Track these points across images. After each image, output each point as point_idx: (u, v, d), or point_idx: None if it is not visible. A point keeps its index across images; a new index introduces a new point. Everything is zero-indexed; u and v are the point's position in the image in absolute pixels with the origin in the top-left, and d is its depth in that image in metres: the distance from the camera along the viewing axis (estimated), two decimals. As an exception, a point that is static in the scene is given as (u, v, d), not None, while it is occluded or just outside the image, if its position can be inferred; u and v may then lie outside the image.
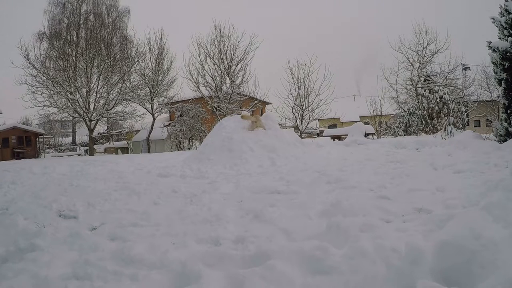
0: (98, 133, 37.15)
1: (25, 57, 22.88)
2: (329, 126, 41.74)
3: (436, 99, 20.05)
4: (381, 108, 24.42)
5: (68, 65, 24.58)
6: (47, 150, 32.88)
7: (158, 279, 2.42)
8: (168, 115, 32.17)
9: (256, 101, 24.83)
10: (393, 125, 25.26)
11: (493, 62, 9.64)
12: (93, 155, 25.15)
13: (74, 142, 38.87)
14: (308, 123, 23.73)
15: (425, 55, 25.13)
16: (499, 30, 9.51)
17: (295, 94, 22.96)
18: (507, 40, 9.06)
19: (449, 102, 20.05)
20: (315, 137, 27.62)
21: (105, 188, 6.37)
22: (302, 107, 22.93)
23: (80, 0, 29.63)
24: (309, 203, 4.19)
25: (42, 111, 24.99)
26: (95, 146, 30.20)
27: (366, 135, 17.30)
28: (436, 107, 20.00)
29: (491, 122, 21.08)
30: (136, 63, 25.67)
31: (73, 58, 25.85)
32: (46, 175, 9.31)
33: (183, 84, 55.64)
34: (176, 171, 8.25)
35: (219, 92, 23.82)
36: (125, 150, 29.73)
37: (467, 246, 1.83)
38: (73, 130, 40.02)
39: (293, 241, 2.94)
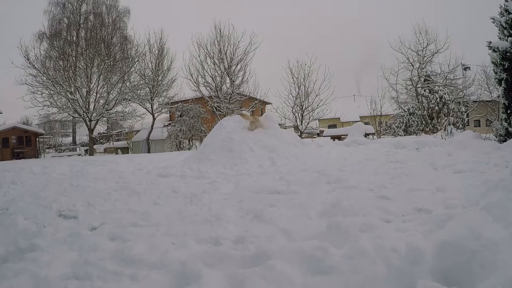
0: (98, 133, 37.16)
1: (25, 57, 22.90)
2: (329, 126, 41.74)
3: (436, 99, 20.05)
4: (381, 108, 24.45)
5: (68, 65, 24.58)
6: (47, 150, 32.88)
7: (158, 279, 2.42)
8: (168, 115, 32.17)
9: (256, 101, 24.83)
10: (393, 125, 25.26)
11: (493, 62, 9.64)
12: (93, 155, 25.15)
13: (74, 142, 38.87)
14: (308, 123, 23.73)
15: (425, 55, 25.16)
16: (499, 30, 9.51)
17: (295, 94, 22.98)
18: (507, 40, 9.06)
19: (449, 102, 20.05)
20: (315, 137, 27.63)
21: (105, 188, 6.37)
22: (302, 107, 22.93)
23: (80, 0, 29.63)
24: (309, 203, 4.19)
25: (42, 111, 25.04)
26: (95, 146, 30.21)
27: (366, 135, 17.30)
28: (436, 107, 20.00)
29: (491, 122, 21.08)
30: (136, 63, 25.69)
31: (73, 58, 25.85)
32: (46, 175, 9.31)
33: (183, 84, 55.63)
34: (176, 171, 8.25)
35: (219, 92, 23.82)
36: (125, 150, 29.73)
37: (467, 246, 1.83)
38: (73, 130, 40.04)
39: (293, 241, 2.94)
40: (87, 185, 6.86)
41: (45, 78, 23.31)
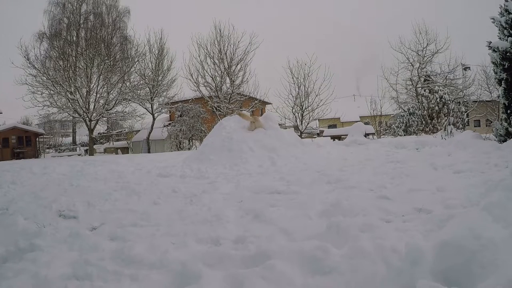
0: (98, 133, 37.14)
1: (25, 57, 22.89)
2: (329, 126, 41.74)
3: (436, 99, 20.04)
4: (381, 108, 24.43)
5: (68, 65, 24.57)
6: (47, 150, 32.87)
7: (158, 279, 2.42)
8: (168, 115, 32.16)
9: (256, 101, 24.82)
10: (393, 125, 25.24)
11: (493, 62, 9.64)
12: (93, 155, 25.14)
13: (74, 142, 38.85)
14: (308, 123, 23.72)
15: (425, 55, 25.16)
16: (499, 30, 9.50)
17: (295, 94, 22.97)
18: (507, 40, 9.06)
19: (449, 102, 20.04)
20: (315, 137, 27.63)
21: (105, 188, 6.37)
22: (302, 107, 22.92)
23: (80, 0, 29.62)
24: (309, 203, 4.19)
25: (42, 111, 25.02)
26: (95, 146, 30.19)
27: (366, 135, 17.30)
28: (436, 107, 19.99)
29: (491, 122, 21.09)
30: (136, 63, 25.68)
31: (73, 58, 25.85)
32: (46, 175, 9.31)
33: (183, 84, 55.62)
34: (176, 171, 8.25)
35: (219, 92, 23.81)
36: (125, 150, 29.73)
37: (467, 246, 1.83)
38: (73, 130, 40.01)
39: (293, 241, 2.94)
40: (87, 185, 6.86)
41: (45, 78, 23.31)
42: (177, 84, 33.55)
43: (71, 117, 26.91)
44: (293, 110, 23.24)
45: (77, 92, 24.35)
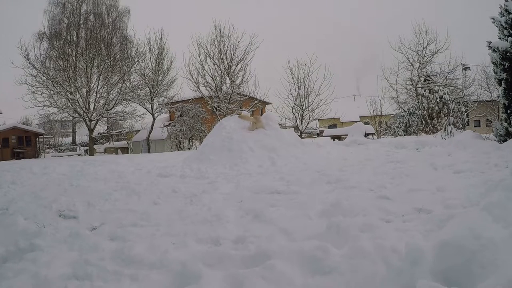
0: (98, 133, 37.14)
1: (25, 57, 22.87)
2: (329, 126, 41.73)
3: (436, 99, 20.04)
4: (381, 108, 24.43)
5: (68, 65, 24.57)
6: (47, 150, 32.87)
7: (158, 279, 2.42)
8: (168, 115, 32.16)
9: (256, 101, 24.82)
10: (393, 125, 25.24)
11: (493, 62, 9.64)
12: (93, 155, 25.14)
13: (74, 142, 38.84)
14: (308, 123, 23.72)
15: (425, 55, 25.17)
16: (499, 30, 9.50)
17: (295, 94, 22.96)
18: (507, 40, 9.06)
19: (449, 102, 20.04)
20: (315, 137, 27.63)
21: (105, 188, 6.37)
22: (302, 107, 22.91)
23: (80, 0, 29.61)
24: (309, 203, 4.19)
25: (42, 111, 25.00)
26: (95, 146, 30.18)
27: (366, 135, 17.30)
28: (436, 107, 19.99)
29: (491, 122, 21.08)
30: (136, 63, 25.66)
31: (73, 58, 25.84)
32: (46, 175, 9.31)
33: (183, 84, 55.59)
34: (176, 171, 8.25)
35: (219, 92, 23.80)
36: (125, 150, 29.72)
37: (467, 246, 1.83)
38: (73, 130, 40.00)
39: (293, 241, 2.94)
40: (87, 185, 6.86)
41: (45, 78, 23.30)
42: (177, 84, 33.50)
43: (71, 117, 26.89)
44: (293, 110, 23.25)
45: (77, 92, 24.35)
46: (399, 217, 3.44)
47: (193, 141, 24.35)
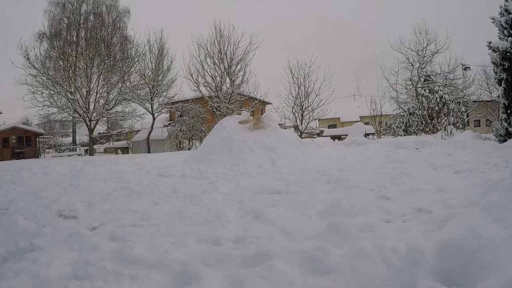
0: (98, 133, 37.14)
1: (25, 57, 22.87)
2: (329, 126, 41.72)
3: (436, 99, 20.04)
4: (381, 108, 24.43)
5: (68, 65, 24.56)
6: (47, 150, 32.85)
7: (158, 279, 2.42)
8: (168, 115, 32.16)
9: (256, 101, 24.82)
10: (393, 125, 25.24)
11: (493, 62, 9.64)
12: (93, 155, 25.14)
13: (74, 142, 38.83)
14: (308, 123, 23.72)
15: (425, 55, 25.16)
16: (499, 30, 9.50)
17: (295, 94, 22.97)
18: (507, 40, 9.06)
19: (449, 102, 20.03)
20: (315, 137, 27.62)
21: (105, 188, 6.37)
22: (302, 107, 22.92)
23: (80, 0, 29.60)
24: (309, 203, 4.19)
25: (42, 111, 25.00)
26: (95, 146, 30.18)
27: (366, 135, 17.29)
28: (436, 107, 19.99)
29: (491, 122, 21.07)
30: (136, 63, 25.66)
31: (73, 58, 25.84)
32: (46, 175, 9.31)
33: (183, 84, 55.60)
34: (176, 171, 8.25)
35: (219, 92, 23.80)
36: (125, 150, 29.73)
37: (467, 246, 1.83)
38: (73, 130, 40.00)
39: (293, 241, 2.94)
40: (87, 185, 6.86)
41: (45, 78, 23.30)
42: (177, 84, 33.59)
43: (71, 117, 26.90)
44: (293, 110, 23.25)
45: (77, 92, 24.35)
46: (399, 217, 3.44)
47: (193, 141, 24.36)
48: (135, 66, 25.70)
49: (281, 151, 9.53)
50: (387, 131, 26.47)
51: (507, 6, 9.19)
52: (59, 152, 31.53)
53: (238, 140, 9.89)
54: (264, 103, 26.77)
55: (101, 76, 24.89)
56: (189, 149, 23.04)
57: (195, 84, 24.06)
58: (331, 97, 22.23)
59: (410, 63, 25.58)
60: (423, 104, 20.52)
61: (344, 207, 3.72)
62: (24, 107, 42.62)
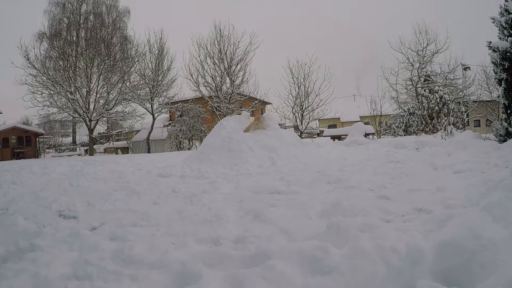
0: (98, 133, 37.13)
1: (25, 57, 22.87)
2: (329, 126, 41.72)
3: (436, 99, 20.04)
4: (381, 108, 24.43)
5: (68, 65, 24.56)
6: (47, 150, 32.85)
7: (158, 279, 2.42)
8: (168, 115, 32.16)
9: (256, 101, 24.83)
10: (393, 125, 25.24)
11: (493, 62, 9.64)
12: (93, 155, 25.14)
13: (74, 142, 38.83)
14: (308, 123, 23.72)
15: (425, 55, 25.17)
16: (499, 30, 9.50)
17: (295, 94, 22.98)
18: (507, 40, 9.06)
19: (449, 102, 20.03)
20: (315, 137, 27.61)
21: (105, 188, 6.37)
22: (302, 107, 22.92)
23: (80, 0, 29.60)
24: (309, 203, 4.19)
25: (42, 111, 24.99)
26: (95, 146, 30.17)
27: (366, 135, 17.29)
28: (436, 107, 19.99)
29: (491, 122, 21.08)
30: (136, 63, 25.66)
31: (73, 58, 25.83)
32: (46, 175, 9.31)
33: (183, 84, 55.74)
34: (176, 171, 8.25)
35: (219, 92, 23.81)
36: (125, 150, 29.72)
37: (467, 246, 1.83)
38: (73, 130, 40.00)
39: (293, 241, 2.94)
40: (87, 185, 6.86)
41: (45, 78, 23.29)
42: (177, 84, 33.60)
43: (71, 117, 26.89)
44: (293, 110, 23.26)
45: (77, 92, 24.34)
46: (399, 217, 3.44)
47: (193, 141, 24.36)
48: (135, 66, 25.71)
49: (281, 151, 9.53)
50: (387, 131, 26.47)
51: (507, 6, 9.19)
52: (59, 152, 31.54)
53: (238, 140, 9.89)
54: (264, 103, 26.78)
55: (101, 76, 24.89)
56: (189, 149, 23.04)
57: (195, 84, 24.09)
58: (331, 97, 22.26)
59: (410, 63, 25.61)
60: (423, 104, 20.52)
61: (344, 207, 3.72)
62: (24, 107, 42.71)
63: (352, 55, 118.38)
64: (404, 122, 22.66)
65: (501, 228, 1.90)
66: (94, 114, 25.29)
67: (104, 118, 28.57)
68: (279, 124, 13.70)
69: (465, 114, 21.85)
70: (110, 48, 26.69)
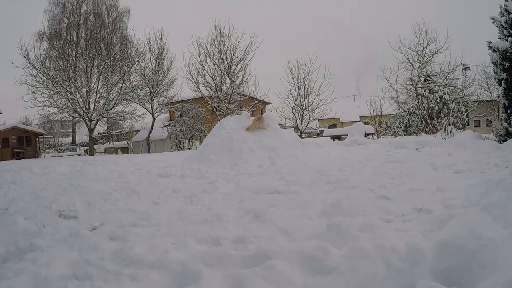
0: (98, 133, 37.13)
1: (25, 57, 22.86)
2: (329, 126, 41.71)
3: (436, 99, 20.04)
4: (381, 108, 24.43)
5: (68, 65, 24.56)
6: (47, 150, 32.84)
7: (158, 279, 2.42)
8: (168, 115, 32.16)
9: (256, 101, 24.83)
10: (393, 125, 25.24)
11: (493, 62, 9.64)
12: (93, 155, 25.14)
13: (74, 142, 38.83)
14: (308, 123, 23.72)
15: (425, 55, 25.16)
16: (499, 30, 9.50)
17: (295, 94, 22.97)
18: (507, 40, 9.06)
19: (449, 102, 20.03)
20: (315, 137, 27.61)
21: (105, 188, 6.37)
22: (302, 107, 22.92)
23: (80, 0, 29.60)
24: (309, 203, 4.19)
25: (42, 111, 24.98)
26: (95, 146, 30.17)
27: (366, 135, 17.28)
28: (436, 107, 19.98)
29: (491, 122, 21.08)
30: (136, 63, 25.66)
31: (73, 58, 25.83)
32: (46, 175, 9.31)
33: (183, 84, 55.66)
34: (176, 171, 8.25)
35: (219, 92, 23.81)
36: (125, 150, 29.72)
37: (467, 246, 1.83)
38: (73, 130, 40.00)
39: (293, 241, 2.94)
40: (87, 185, 6.86)
41: (45, 78, 23.29)
42: (177, 84, 33.57)
43: (71, 117, 26.89)
44: (293, 110, 23.25)
45: (77, 92, 24.34)
46: (399, 217, 3.44)
47: (193, 141, 24.36)
48: (135, 66, 25.71)
49: (281, 151, 9.53)
50: (387, 131, 26.48)
51: (507, 6, 9.19)
52: (59, 152, 31.53)
53: (238, 140, 9.89)
54: (264, 103, 26.78)
55: (101, 76, 24.88)
56: (189, 149, 23.04)
57: (195, 84, 24.09)
58: (331, 97, 22.26)
59: (410, 63, 25.60)
60: (423, 104, 20.52)
61: (344, 207, 3.72)
62: (24, 107, 42.63)
63: (352, 55, 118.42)
64: (404, 122, 22.66)
65: (501, 228, 1.90)
66: (94, 114, 25.28)
67: (104, 118, 28.57)
68: (279, 124, 13.69)
69: (465, 114, 21.86)
70: (110, 48, 26.68)
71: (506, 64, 9.09)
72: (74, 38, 28.06)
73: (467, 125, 22.39)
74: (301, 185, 5.62)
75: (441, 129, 17.50)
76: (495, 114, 27.30)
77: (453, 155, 7.98)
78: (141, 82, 25.55)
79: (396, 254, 2.23)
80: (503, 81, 9.25)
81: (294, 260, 2.38)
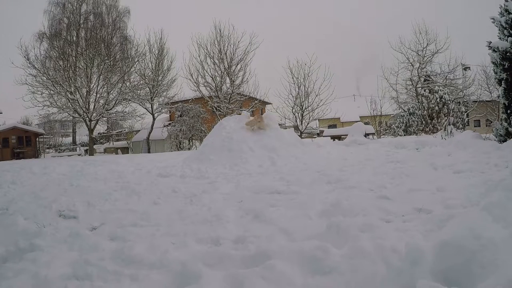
0: (98, 133, 37.13)
1: (25, 57, 22.86)
2: (329, 126, 41.70)
3: (436, 99, 20.04)
4: (381, 108, 24.42)
5: (68, 65, 24.56)
6: (47, 150, 32.85)
7: (158, 279, 2.42)
8: (168, 115, 32.16)
9: (256, 101, 24.83)
10: (393, 125, 25.24)
11: (493, 62, 9.64)
12: (93, 155, 25.14)
13: (74, 142, 38.83)
14: (308, 123, 23.71)
15: (425, 55, 25.17)
16: (499, 30, 9.50)
17: (295, 94, 22.96)
18: (507, 40, 9.06)
19: (449, 102, 20.03)
20: (315, 137, 27.61)
21: (105, 188, 6.37)
22: (302, 107, 22.91)
23: (80, 0, 29.60)
24: (309, 203, 4.19)
25: (42, 111, 24.98)
26: (95, 146, 30.17)
27: (366, 135, 17.28)
28: (436, 107, 19.98)
29: (491, 122, 21.08)
30: (136, 63, 25.66)
31: (73, 58, 25.83)
32: (46, 175, 9.31)
33: (183, 84, 55.61)
34: (176, 171, 8.25)
35: (219, 92, 23.81)
36: (125, 150, 29.72)
37: (467, 246, 1.83)
38: (73, 130, 40.00)
39: (293, 241, 2.94)
40: (87, 185, 6.86)
41: (45, 78, 23.29)
42: (177, 84, 33.56)
43: (71, 117, 26.89)
44: (293, 110, 23.25)
45: (77, 92, 24.34)
46: (399, 217, 3.44)
47: (193, 141, 24.36)
48: (135, 66, 25.72)
49: (281, 151, 9.53)
50: (387, 131, 26.47)
51: (507, 6, 9.19)
52: (59, 152, 31.53)
53: (238, 140, 9.89)
54: (264, 103, 26.77)
55: (101, 76, 24.89)
56: (189, 149, 23.04)
57: (195, 84, 24.09)
58: (331, 97, 22.25)
59: (410, 63, 25.62)
60: (423, 104, 20.52)
61: (344, 207, 3.72)
62: (24, 107, 42.61)
63: (352, 55, 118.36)
64: (404, 122, 22.66)
65: (501, 228, 1.90)
66: (94, 114, 25.29)
67: (104, 118, 28.58)
68: (279, 124, 13.69)
69: (465, 114, 21.85)
70: (110, 48, 26.69)
71: (506, 64, 9.09)
72: (74, 38, 28.07)
73: (467, 125, 22.39)
74: (301, 185, 5.62)
75: (441, 129, 17.50)
76: (495, 114, 27.30)
77: (453, 155, 7.98)
78: (141, 82, 25.56)
79: (396, 254, 2.23)
80: (503, 81, 9.25)
81: (294, 260, 2.38)
